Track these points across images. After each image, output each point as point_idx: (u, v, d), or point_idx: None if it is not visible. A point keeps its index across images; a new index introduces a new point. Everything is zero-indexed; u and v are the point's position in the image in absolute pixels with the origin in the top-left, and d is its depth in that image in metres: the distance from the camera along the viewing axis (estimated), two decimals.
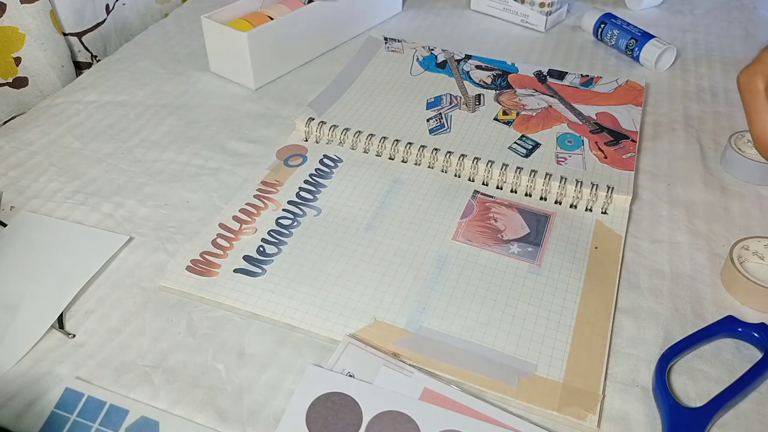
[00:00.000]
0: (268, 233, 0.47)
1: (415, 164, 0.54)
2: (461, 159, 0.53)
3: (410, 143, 0.54)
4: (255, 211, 0.49)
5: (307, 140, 0.56)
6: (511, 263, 0.45)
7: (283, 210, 0.49)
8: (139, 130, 0.58)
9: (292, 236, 0.47)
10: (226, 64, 0.65)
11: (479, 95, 0.63)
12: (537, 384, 0.38)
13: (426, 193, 0.51)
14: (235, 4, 0.64)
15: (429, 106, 0.61)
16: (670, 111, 0.62)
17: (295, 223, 0.48)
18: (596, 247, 0.47)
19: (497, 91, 0.63)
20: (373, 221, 0.48)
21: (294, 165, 0.54)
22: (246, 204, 0.49)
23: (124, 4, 0.76)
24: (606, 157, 0.54)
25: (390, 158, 0.54)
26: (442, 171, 0.53)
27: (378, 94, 0.63)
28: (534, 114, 0.60)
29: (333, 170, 0.53)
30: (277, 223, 0.48)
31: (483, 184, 0.52)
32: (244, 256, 0.45)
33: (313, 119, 0.57)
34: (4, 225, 0.48)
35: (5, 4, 0.61)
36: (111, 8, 0.74)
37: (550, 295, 0.43)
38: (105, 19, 0.73)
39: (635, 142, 0.56)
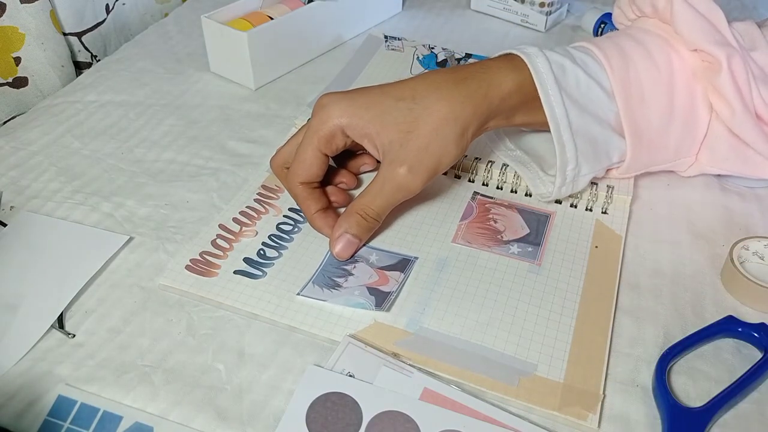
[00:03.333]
0: (269, 237, 0.47)
1: None
2: (461, 159, 0.52)
3: None
4: (255, 215, 0.49)
5: None
6: (511, 263, 0.45)
7: (284, 216, 0.49)
8: (139, 130, 0.58)
9: (293, 241, 0.47)
10: (226, 64, 0.65)
11: None
12: (537, 384, 0.38)
13: (426, 196, 0.51)
14: (235, 4, 0.64)
15: None
16: None
17: (296, 229, 0.48)
18: (596, 247, 0.47)
19: None
20: None
21: None
22: (246, 207, 0.49)
23: (124, 4, 0.76)
24: None
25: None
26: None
27: None
28: None
29: None
30: (278, 228, 0.48)
31: (483, 184, 0.52)
32: (245, 258, 0.45)
33: None
34: (4, 225, 0.48)
35: (5, 4, 0.61)
36: (111, 8, 0.74)
37: (550, 295, 0.43)
38: (105, 19, 0.73)
39: None
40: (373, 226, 0.46)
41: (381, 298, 0.42)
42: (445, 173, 0.53)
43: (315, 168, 0.45)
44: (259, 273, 0.44)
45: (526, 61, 0.45)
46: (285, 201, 0.50)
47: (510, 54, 0.46)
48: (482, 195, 0.51)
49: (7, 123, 0.60)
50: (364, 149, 0.48)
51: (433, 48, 0.70)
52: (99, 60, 0.71)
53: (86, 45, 0.71)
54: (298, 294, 0.43)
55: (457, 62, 0.68)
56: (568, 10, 0.79)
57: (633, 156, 0.48)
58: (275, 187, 0.51)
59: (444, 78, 0.45)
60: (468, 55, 0.69)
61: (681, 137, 0.48)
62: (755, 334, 0.40)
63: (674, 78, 0.47)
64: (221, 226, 0.48)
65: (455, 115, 0.43)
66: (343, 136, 0.45)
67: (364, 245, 0.46)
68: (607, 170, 0.50)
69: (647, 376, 0.39)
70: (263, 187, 0.51)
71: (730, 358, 0.40)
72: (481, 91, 0.44)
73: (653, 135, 0.47)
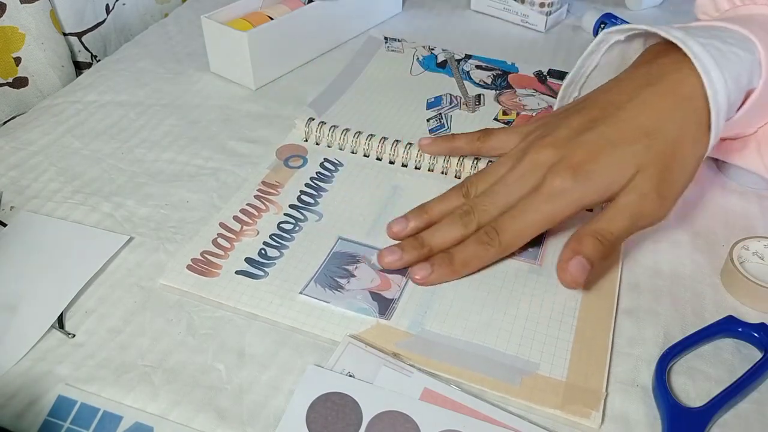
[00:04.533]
0: (270, 237, 0.47)
1: (416, 168, 0.54)
2: (461, 160, 0.52)
3: (410, 144, 0.54)
4: (256, 213, 0.49)
5: (306, 140, 0.56)
6: (512, 264, 0.45)
7: (285, 214, 0.49)
8: (139, 130, 0.58)
9: (294, 240, 0.47)
10: (226, 64, 0.65)
11: (479, 95, 0.63)
12: (540, 383, 0.38)
13: (426, 197, 0.50)
14: (235, 4, 0.64)
15: (429, 106, 0.61)
16: None
17: (297, 228, 0.48)
18: None
19: (497, 91, 0.63)
20: (374, 228, 0.48)
21: (294, 166, 0.53)
22: (247, 204, 0.49)
23: (124, 4, 0.76)
24: None
25: (390, 162, 0.54)
26: (442, 173, 0.53)
27: (378, 94, 0.63)
28: (534, 114, 0.60)
29: (334, 174, 0.53)
30: (279, 227, 0.48)
31: None
32: (246, 258, 0.45)
33: (313, 119, 0.57)
34: (4, 225, 0.48)
35: (5, 4, 0.61)
36: (111, 8, 0.74)
37: (551, 294, 0.43)
38: (105, 19, 0.73)
39: None
40: (608, 252, 0.41)
41: (384, 306, 0.42)
42: (445, 174, 0.53)
43: (529, 240, 0.42)
44: (261, 273, 0.44)
45: (693, 61, 0.41)
46: (285, 198, 0.50)
47: (678, 53, 0.42)
48: None
49: (7, 123, 0.60)
50: None
51: (433, 49, 0.70)
52: (99, 60, 0.71)
53: (86, 45, 0.71)
54: (300, 293, 0.42)
55: (456, 63, 0.68)
56: (568, 10, 0.79)
57: (734, 124, 0.45)
58: (275, 183, 0.51)
59: (662, 100, 0.42)
60: (468, 56, 0.69)
61: None
62: (755, 334, 0.40)
63: None
64: (222, 225, 0.48)
65: (693, 138, 0.41)
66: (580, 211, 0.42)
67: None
68: None
69: (647, 376, 0.39)
70: (263, 183, 0.51)
71: (730, 358, 0.40)
72: (701, 110, 0.41)
73: (762, 110, 0.45)
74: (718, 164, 0.55)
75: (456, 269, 0.43)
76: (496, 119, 0.60)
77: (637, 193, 0.40)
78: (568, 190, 0.40)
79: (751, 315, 0.43)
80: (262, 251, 0.46)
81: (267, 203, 0.50)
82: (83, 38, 0.70)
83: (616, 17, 0.72)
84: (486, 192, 0.44)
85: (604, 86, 0.45)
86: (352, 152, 0.55)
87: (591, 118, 0.42)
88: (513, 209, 0.42)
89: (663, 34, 0.43)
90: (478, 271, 0.44)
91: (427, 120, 0.59)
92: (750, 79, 0.43)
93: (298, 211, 0.49)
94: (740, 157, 0.51)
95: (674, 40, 0.42)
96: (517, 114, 0.60)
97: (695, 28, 0.45)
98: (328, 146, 0.56)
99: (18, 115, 0.62)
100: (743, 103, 0.44)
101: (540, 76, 0.66)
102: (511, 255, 0.46)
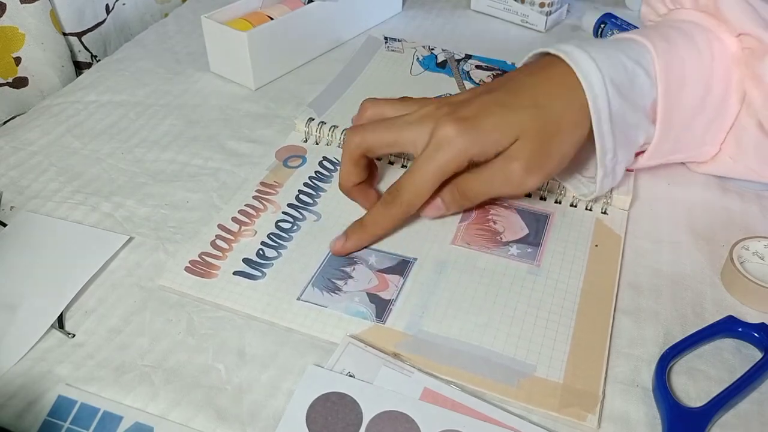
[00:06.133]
0: (268, 236, 0.47)
1: None
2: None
3: None
4: (254, 213, 0.49)
5: (306, 141, 0.56)
6: (510, 265, 0.45)
7: (283, 213, 0.49)
8: (139, 130, 0.58)
9: (292, 240, 0.47)
10: (226, 64, 0.65)
11: None
12: (536, 385, 0.38)
13: None
14: (235, 4, 0.64)
15: None
16: None
17: (295, 227, 0.48)
18: (597, 245, 0.47)
19: None
20: None
21: (293, 166, 0.53)
22: (245, 205, 0.49)
23: (124, 4, 0.76)
24: None
25: (390, 162, 0.54)
26: None
27: (378, 94, 0.62)
28: None
29: (333, 173, 0.53)
30: (277, 227, 0.48)
31: None
32: (244, 258, 0.45)
33: (313, 119, 0.57)
34: (4, 225, 0.48)
35: (5, 4, 0.61)
36: (111, 8, 0.74)
37: (549, 296, 0.43)
38: (105, 19, 0.73)
39: None
40: (464, 205, 0.47)
41: (381, 308, 0.42)
42: None
43: (429, 194, 0.45)
44: (259, 274, 0.44)
45: (571, 65, 0.43)
46: (283, 197, 0.50)
47: (555, 56, 0.45)
48: None
49: (7, 123, 0.60)
50: None
51: (433, 49, 0.70)
52: (99, 60, 0.71)
53: (86, 45, 0.71)
54: (298, 299, 0.42)
55: (456, 63, 0.68)
56: (568, 10, 0.79)
57: (659, 140, 0.47)
58: (274, 183, 0.51)
59: (552, 84, 0.44)
60: (468, 56, 0.69)
61: (708, 124, 0.48)
62: (755, 334, 0.40)
63: (714, 63, 0.47)
64: (220, 227, 0.48)
65: (575, 120, 0.43)
66: (467, 163, 0.44)
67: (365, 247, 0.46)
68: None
69: (647, 376, 0.39)
70: (262, 183, 0.51)
71: (730, 358, 0.40)
72: (583, 99, 0.44)
73: (684, 120, 0.47)
74: None
75: (368, 230, 0.46)
76: None
77: (509, 159, 0.43)
78: (453, 140, 0.42)
79: (751, 315, 0.43)
80: (260, 251, 0.46)
81: (265, 203, 0.50)
82: (83, 38, 0.70)
83: (616, 17, 0.72)
84: None
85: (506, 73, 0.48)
86: None
87: (489, 89, 0.46)
88: (410, 168, 0.44)
89: (552, 51, 0.46)
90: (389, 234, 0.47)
91: None
92: (633, 79, 0.45)
93: (296, 210, 0.49)
94: (716, 169, 0.52)
95: (555, 51, 0.45)
96: None
97: (592, 41, 0.49)
98: (328, 145, 0.56)
99: (18, 115, 0.62)
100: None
101: None
102: (509, 255, 0.46)
